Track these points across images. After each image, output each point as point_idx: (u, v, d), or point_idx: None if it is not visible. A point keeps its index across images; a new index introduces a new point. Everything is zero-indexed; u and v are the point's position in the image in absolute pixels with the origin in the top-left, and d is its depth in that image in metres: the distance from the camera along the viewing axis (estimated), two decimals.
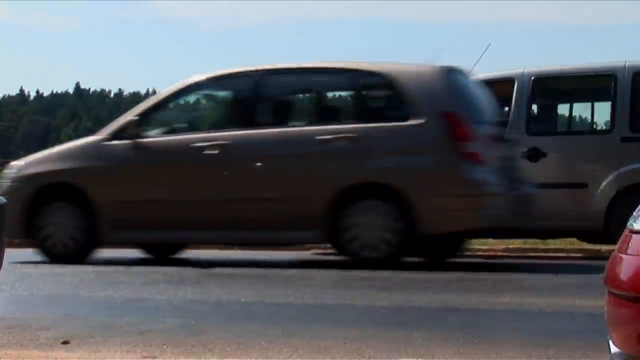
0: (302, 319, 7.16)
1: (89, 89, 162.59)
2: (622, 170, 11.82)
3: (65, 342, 6.08)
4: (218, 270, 10.78)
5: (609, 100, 12.26)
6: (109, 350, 5.84)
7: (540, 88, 12.62)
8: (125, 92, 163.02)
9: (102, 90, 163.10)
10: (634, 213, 3.73)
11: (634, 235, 3.60)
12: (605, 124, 12.56)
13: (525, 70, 12.60)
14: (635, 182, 11.80)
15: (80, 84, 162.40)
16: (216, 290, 8.78)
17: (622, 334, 3.52)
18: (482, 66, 13.47)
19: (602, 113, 13.07)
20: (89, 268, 10.89)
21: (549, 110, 13.64)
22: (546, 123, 13.41)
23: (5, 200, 4.81)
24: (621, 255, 3.62)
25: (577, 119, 14.00)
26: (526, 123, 12.27)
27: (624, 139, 11.91)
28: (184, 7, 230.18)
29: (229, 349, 5.85)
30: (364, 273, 10.40)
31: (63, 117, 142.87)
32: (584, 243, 13.51)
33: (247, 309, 7.67)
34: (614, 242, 13.32)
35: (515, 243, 13.95)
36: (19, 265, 10.96)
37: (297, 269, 11.02)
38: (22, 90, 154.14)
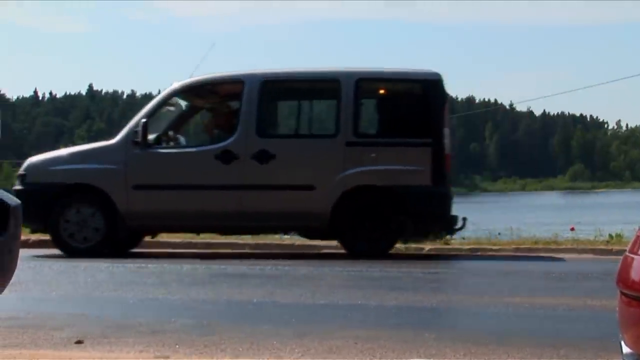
0: (314, 319, 7.17)
1: (102, 90, 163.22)
2: (346, 172, 12.08)
3: (79, 342, 6.10)
4: (229, 270, 10.81)
5: (335, 105, 12.49)
6: (121, 350, 5.86)
7: (269, 90, 12.67)
8: (138, 94, 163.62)
9: (115, 92, 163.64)
10: None
11: None
12: (331, 128, 12.59)
13: (254, 72, 12.68)
14: (358, 184, 12.11)
15: (93, 85, 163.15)
16: (228, 290, 8.80)
17: (635, 334, 3.50)
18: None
19: (328, 117, 13.15)
20: (103, 266, 10.94)
21: (278, 113, 13.75)
22: (275, 125, 13.51)
23: (19, 202, 4.71)
24: (633, 256, 3.59)
25: (305, 123, 14.04)
26: (256, 125, 12.34)
27: (349, 144, 12.18)
28: (197, 9, 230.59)
29: (241, 349, 5.86)
30: (375, 273, 10.41)
31: (76, 119, 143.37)
32: (595, 242, 13.49)
33: (258, 309, 7.68)
34: (338, 240, 13.81)
35: (527, 243, 13.91)
36: (34, 263, 11.01)
37: (308, 268, 11.03)
38: (35, 92, 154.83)
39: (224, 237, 14.06)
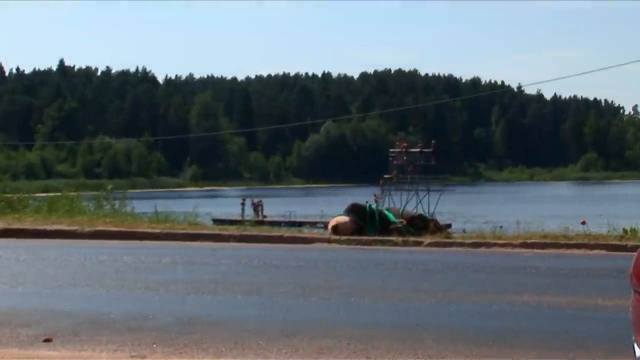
0: (303, 316, 7.19)
1: (74, 66, 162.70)
2: None
3: (47, 340, 6.11)
4: (214, 262, 10.83)
5: None
6: (94, 349, 5.87)
7: None
8: (114, 70, 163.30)
9: (88, 68, 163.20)
10: None
11: None
12: None
13: None
14: None
15: (65, 60, 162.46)
16: (211, 285, 8.81)
17: None
18: None
19: None
20: (74, 258, 10.94)
21: None
22: None
23: None
24: None
25: None
26: None
27: None
28: None
29: (224, 349, 5.88)
30: (368, 264, 10.44)
31: (46, 97, 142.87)
32: (607, 237, 13.54)
33: (244, 305, 7.70)
34: None
35: (534, 237, 13.94)
36: None
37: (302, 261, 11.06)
38: (1, 67, 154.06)
39: (208, 228, 14.04)
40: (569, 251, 12.91)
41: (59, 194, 22.66)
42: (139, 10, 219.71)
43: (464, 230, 17.74)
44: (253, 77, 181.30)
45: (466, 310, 7.51)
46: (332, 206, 39.87)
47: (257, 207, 53.68)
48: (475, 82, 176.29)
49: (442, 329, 6.49)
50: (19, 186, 37.72)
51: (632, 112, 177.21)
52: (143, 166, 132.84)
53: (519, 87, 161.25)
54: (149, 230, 14.63)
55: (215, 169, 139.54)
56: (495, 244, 13.41)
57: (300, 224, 38.79)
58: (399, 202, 37.13)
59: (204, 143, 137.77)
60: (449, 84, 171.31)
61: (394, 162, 43.79)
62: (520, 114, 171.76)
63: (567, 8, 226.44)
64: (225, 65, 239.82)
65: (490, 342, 6.01)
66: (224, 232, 14.81)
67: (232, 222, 33.50)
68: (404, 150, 44.32)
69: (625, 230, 14.56)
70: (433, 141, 46.92)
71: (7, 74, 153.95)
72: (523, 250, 13.05)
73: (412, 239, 14.16)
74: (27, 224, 15.38)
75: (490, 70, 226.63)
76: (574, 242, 13.37)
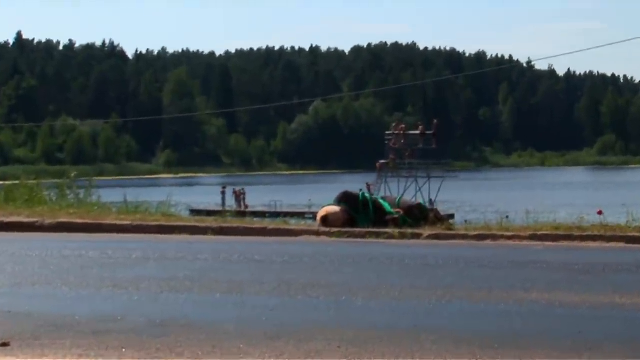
0: (289, 317, 7.21)
1: (33, 39, 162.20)
2: None
3: (4, 345, 6.11)
4: (190, 257, 10.84)
5: None
6: (57, 354, 5.88)
7: None
8: (77, 44, 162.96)
9: (49, 42, 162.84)
10: None
11: None
12: None
13: None
14: None
15: (23, 33, 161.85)
16: (186, 283, 8.82)
17: None
18: None
19: None
20: (34, 254, 10.94)
21: None
22: None
23: None
24: None
25: None
26: None
27: None
28: None
29: (200, 353, 5.89)
30: (362, 259, 10.47)
31: (1, 74, 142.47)
32: (626, 228, 13.60)
33: (223, 305, 7.72)
34: None
35: (545, 228, 13.99)
36: None
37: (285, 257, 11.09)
38: None
39: (183, 220, 14.06)
40: (583, 244, 12.97)
41: (16, 182, 22.59)
42: None
43: (466, 221, 17.78)
44: (233, 51, 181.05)
45: (469, 309, 7.55)
46: (321, 195, 39.98)
47: (239, 196, 53.76)
48: (480, 56, 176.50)
49: (443, 330, 6.52)
50: None
51: None
52: (111, 151, 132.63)
53: (529, 62, 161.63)
54: (118, 222, 14.62)
55: (191, 154, 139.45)
56: (501, 236, 13.45)
57: (286, 215, 38.83)
58: (396, 190, 37.25)
59: (179, 125, 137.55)
60: (451, 58, 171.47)
61: (391, 145, 43.73)
62: (530, 92, 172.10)
63: None
64: (202, 39, 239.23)
65: (496, 345, 6.05)
66: (200, 224, 14.80)
67: (211, 213, 33.49)
68: (401, 132, 44.27)
69: None
70: (435, 121, 46.75)
71: None
72: (533, 242, 13.10)
73: (410, 231, 14.19)
74: None
75: (496, 44, 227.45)
76: (589, 233, 13.42)
